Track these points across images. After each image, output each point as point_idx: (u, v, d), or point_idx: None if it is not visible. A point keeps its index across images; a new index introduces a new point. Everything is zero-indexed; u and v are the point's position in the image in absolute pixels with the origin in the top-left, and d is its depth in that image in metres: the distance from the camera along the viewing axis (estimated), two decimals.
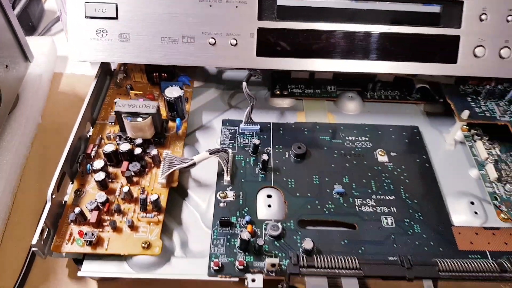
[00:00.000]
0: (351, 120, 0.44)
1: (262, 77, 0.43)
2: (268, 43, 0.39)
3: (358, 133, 0.42)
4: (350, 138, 0.42)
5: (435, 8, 0.39)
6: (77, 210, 0.32)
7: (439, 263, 0.30)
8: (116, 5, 0.39)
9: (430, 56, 0.40)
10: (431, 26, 0.39)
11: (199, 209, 0.36)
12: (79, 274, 0.31)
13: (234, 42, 0.39)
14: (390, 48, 0.40)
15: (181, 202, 0.37)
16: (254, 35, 0.39)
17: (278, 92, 0.46)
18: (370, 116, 0.45)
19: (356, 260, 0.30)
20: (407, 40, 0.39)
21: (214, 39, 0.39)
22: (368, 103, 0.47)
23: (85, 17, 0.39)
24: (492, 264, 0.30)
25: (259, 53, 0.39)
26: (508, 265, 0.30)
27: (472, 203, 0.37)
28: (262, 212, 0.35)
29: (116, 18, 0.39)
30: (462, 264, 0.30)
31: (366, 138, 0.42)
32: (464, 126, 0.43)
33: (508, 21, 0.39)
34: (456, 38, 0.39)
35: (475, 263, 0.30)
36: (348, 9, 0.39)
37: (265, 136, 0.41)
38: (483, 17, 0.39)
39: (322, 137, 0.42)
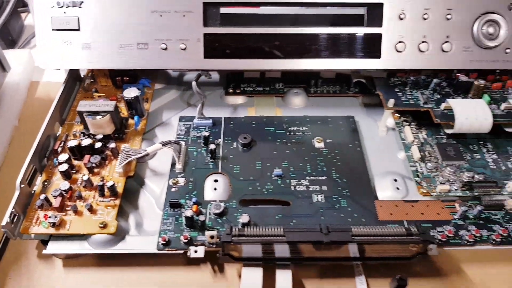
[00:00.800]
0: (296, 114, 0.49)
1: (220, 77, 0.48)
2: (214, 46, 0.44)
3: (300, 124, 0.47)
4: (292, 128, 0.47)
5: (360, 10, 0.44)
6: (42, 196, 0.37)
7: (352, 229, 0.35)
8: (78, 19, 0.44)
9: (358, 53, 0.45)
10: (358, 26, 0.44)
11: (154, 194, 0.41)
12: (44, 252, 0.36)
13: (183, 46, 0.44)
14: (324, 47, 0.45)
15: (139, 189, 0.42)
16: (201, 40, 0.44)
17: (231, 90, 0.51)
18: (314, 109, 0.50)
19: (282, 229, 0.35)
20: (338, 39, 0.45)
21: (166, 45, 0.44)
22: (312, 98, 0.52)
23: (52, 29, 0.44)
24: (400, 229, 0.35)
25: (206, 56, 0.44)
26: (415, 229, 0.35)
27: (395, 180, 0.42)
28: (209, 194, 0.40)
29: (78, 30, 0.44)
30: (374, 229, 0.35)
31: (307, 128, 0.47)
32: (396, 114, 0.48)
33: (424, 19, 0.44)
34: (379, 36, 0.44)
35: (385, 228, 0.35)
36: (285, 14, 0.44)
37: (217, 130, 0.46)
38: (402, 16, 0.44)
39: (267, 129, 0.47)
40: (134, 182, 0.42)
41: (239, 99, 0.51)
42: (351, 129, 0.47)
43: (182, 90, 0.52)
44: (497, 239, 0.37)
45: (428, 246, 0.36)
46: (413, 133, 0.46)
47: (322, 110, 0.50)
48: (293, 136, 0.46)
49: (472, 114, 0.42)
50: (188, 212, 0.36)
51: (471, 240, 0.37)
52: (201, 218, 0.36)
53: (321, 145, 0.45)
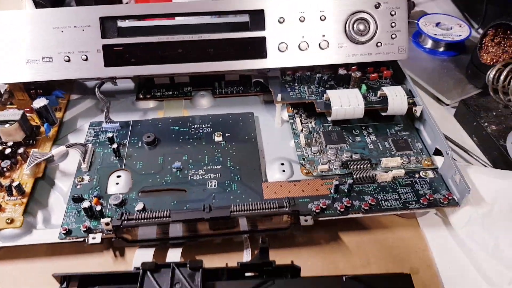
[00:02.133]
0: (202, 114, 0.54)
1: (133, 85, 0.53)
2: (112, 56, 0.48)
3: (203, 122, 0.52)
4: (195, 126, 0.51)
5: (245, 17, 0.50)
6: None
7: (232, 207, 0.39)
8: None
9: (247, 54, 0.50)
10: (244, 31, 0.50)
11: (62, 193, 0.45)
12: None
13: (84, 57, 0.48)
14: (215, 50, 0.50)
15: (49, 189, 0.45)
16: (100, 50, 0.48)
17: (141, 96, 0.56)
18: (219, 109, 0.55)
19: (168, 211, 0.39)
20: (228, 43, 0.50)
21: (68, 57, 0.48)
22: (218, 98, 0.57)
23: None
24: (273, 203, 0.40)
25: (107, 64, 0.48)
26: (287, 203, 0.40)
27: (282, 164, 0.47)
28: (111, 189, 0.44)
29: None
30: (251, 205, 0.40)
31: (208, 125, 0.52)
32: (290, 108, 0.53)
33: (301, 21, 0.50)
34: (263, 39, 0.50)
35: (261, 204, 0.40)
36: (177, 25, 0.49)
37: (125, 132, 0.51)
38: (281, 20, 0.49)
39: (172, 128, 0.51)
40: (45, 183, 0.46)
41: (150, 104, 0.56)
42: (249, 123, 0.52)
43: (97, 100, 0.56)
44: (366, 207, 0.43)
45: (301, 216, 0.41)
46: (302, 123, 0.51)
47: (226, 109, 0.55)
48: (195, 133, 0.51)
49: (345, 101, 0.48)
50: (86, 204, 0.40)
51: (343, 209, 0.42)
52: (98, 208, 0.41)
53: (220, 139, 0.50)
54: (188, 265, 0.33)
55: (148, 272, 0.32)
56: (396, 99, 0.49)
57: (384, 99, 0.50)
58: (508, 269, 0.39)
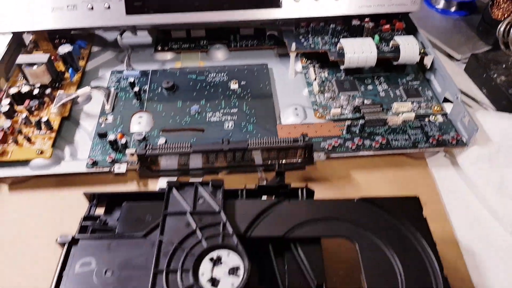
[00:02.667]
0: (218, 65, 0.56)
1: (151, 39, 0.55)
2: (133, 3, 0.50)
3: (219, 71, 0.54)
4: (212, 75, 0.53)
5: None
6: None
7: (249, 140, 0.42)
8: None
9: (263, 4, 0.52)
10: None
11: (87, 131, 0.47)
12: None
13: (107, 5, 0.50)
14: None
15: (74, 128, 0.48)
16: None
17: (160, 48, 0.58)
18: (234, 61, 0.57)
19: (189, 143, 0.41)
20: None
21: (92, 5, 0.50)
22: (233, 52, 0.58)
23: None
24: (289, 140, 0.42)
25: (128, 12, 0.50)
26: (301, 139, 0.42)
27: (296, 108, 0.49)
28: (134, 127, 0.47)
29: None
30: (267, 139, 0.42)
31: (224, 74, 0.54)
32: (304, 59, 0.55)
33: None
34: None
35: (276, 138, 0.42)
36: None
37: (145, 79, 0.53)
38: None
39: (190, 76, 0.53)
40: (70, 123, 0.48)
41: (168, 55, 0.58)
42: (263, 73, 0.54)
43: (117, 52, 0.59)
44: (376, 146, 0.45)
45: (314, 152, 0.43)
46: (316, 73, 0.53)
47: (241, 62, 0.56)
48: (212, 81, 0.53)
49: (358, 49, 0.50)
50: (111, 136, 0.43)
51: (354, 147, 0.44)
52: (123, 141, 0.43)
53: (236, 86, 0.52)
54: (210, 184, 0.35)
55: (174, 189, 0.35)
56: (408, 48, 0.50)
57: (396, 49, 0.51)
58: None
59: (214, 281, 0.30)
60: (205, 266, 0.31)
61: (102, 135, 0.45)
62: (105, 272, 0.31)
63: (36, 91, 0.47)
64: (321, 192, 0.43)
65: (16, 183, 0.44)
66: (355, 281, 0.36)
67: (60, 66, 0.52)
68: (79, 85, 0.52)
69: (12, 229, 0.40)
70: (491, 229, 0.40)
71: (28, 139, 0.43)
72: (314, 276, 0.32)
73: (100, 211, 0.37)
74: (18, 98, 0.47)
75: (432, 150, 0.45)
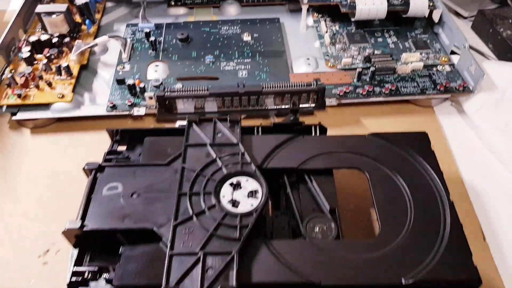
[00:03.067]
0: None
1: None
2: None
3: (232, 25, 0.55)
4: (225, 28, 0.55)
5: None
6: (9, 75, 0.44)
7: (263, 84, 0.43)
8: None
9: None
10: None
11: (105, 79, 0.49)
12: (14, 118, 0.44)
13: None
14: None
15: (93, 77, 0.49)
16: None
17: (173, 2, 0.59)
18: (246, 16, 0.58)
19: (206, 86, 0.43)
20: None
21: None
22: (245, 7, 0.60)
23: None
24: (302, 84, 0.43)
25: None
26: (314, 83, 0.44)
27: (308, 59, 0.51)
28: (151, 75, 0.48)
29: None
30: (279, 83, 0.43)
31: (237, 27, 0.55)
32: (315, 14, 0.56)
33: None
34: None
35: (289, 83, 0.43)
36: None
37: (159, 31, 0.54)
38: None
39: (203, 29, 0.55)
40: (88, 72, 0.50)
41: (181, 10, 0.59)
42: (275, 27, 0.55)
43: (131, 7, 0.60)
44: (386, 92, 0.46)
45: (326, 98, 0.44)
46: (327, 26, 0.54)
47: (253, 17, 0.57)
48: (225, 33, 0.54)
49: (370, 1, 0.51)
50: (130, 81, 0.44)
51: (364, 93, 0.46)
52: (141, 85, 0.44)
53: (249, 38, 0.53)
54: (228, 119, 0.37)
55: (193, 124, 0.36)
56: (417, 0, 0.51)
57: (406, 2, 0.52)
58: None
59: (234, 203, 0.32)
60: (226, 190, 0.32)
61: (120, 81, 0.46)
62: (131, 194, 0.32)
63: (55, 40, 0.49)
64: None
65: (38, 127, 0.46)
66: (365, 214, 0.39)
67: (77, 19, 0.53)
68: (96, 37, 0.53)
69: (36, 167, 0.42)
70: (494, 169, 0.42)
71: (49, 84, 0.45)
72: (327, 202, 0.34)
73: (122, 149, 0.39)
74: (38, 47, 0.48)
75: (439, 97, 0.47)
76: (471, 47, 0.55)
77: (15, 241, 0.37)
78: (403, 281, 0.28)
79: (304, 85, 0.43)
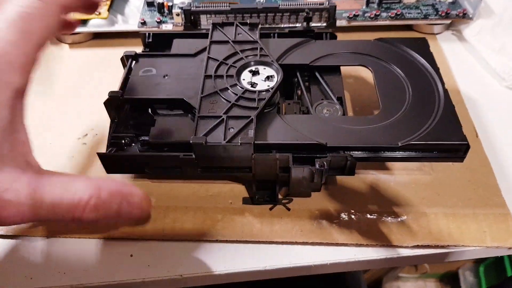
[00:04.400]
0: None
1: None
2: None
3: None
4: None
5: None
6: None
7: (280, 2, 0.48)
8: None
9: None
10: None
11: (135, 4, 0.54)
12: None
13: None
14: None
15: (124, 3, 0.54)
16: None
17: None
18: None
19: (228, 3, 0.47)
20: None
21: None
22: None
23: None
24: (315, 2, 0.48)
25: None
26: (326, 2, 0.48)
27: None
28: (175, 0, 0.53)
29: None
30: (296, 2, 0.48)
31: None
32: None
33: None
34: None
35: (304, 1, 0.48)
36: None
37: None
38: None
39: None
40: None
41: None
42: None
43: None
44: (392, 15, 0.50)
45: (337, 20, 0.49)
46: None
47: None
48: None
49: None
50: (160, 0, 0.49)
51: (372, 16, 0.50)
52: (169, 3, 0.49)
53: None
54: (248, 23, 0.41)
55: (217, 26, 0.41)
56: None
57: None
58: (511, 61, 0.46)
59: (253, 84, 0.36)
60: (246, 75, 0.37)
61: (150, 4, 0.51)
62: (164, 76, 0.37)
63: None
64: None
65: (76, 43, 0.51)
66: (370, 112, 0.43)
67: None
68: None
69: (74, 75, 0.47)
70: (489, 84, 0.46)
71: None
72: (335, 92, 0.38)
73: None
74: None
75: (440, 22, 0.51)
76: None
77: (57, 127, 0.42)
78: (399, 143, 0.32)
79: (317, 3, 0.47)
